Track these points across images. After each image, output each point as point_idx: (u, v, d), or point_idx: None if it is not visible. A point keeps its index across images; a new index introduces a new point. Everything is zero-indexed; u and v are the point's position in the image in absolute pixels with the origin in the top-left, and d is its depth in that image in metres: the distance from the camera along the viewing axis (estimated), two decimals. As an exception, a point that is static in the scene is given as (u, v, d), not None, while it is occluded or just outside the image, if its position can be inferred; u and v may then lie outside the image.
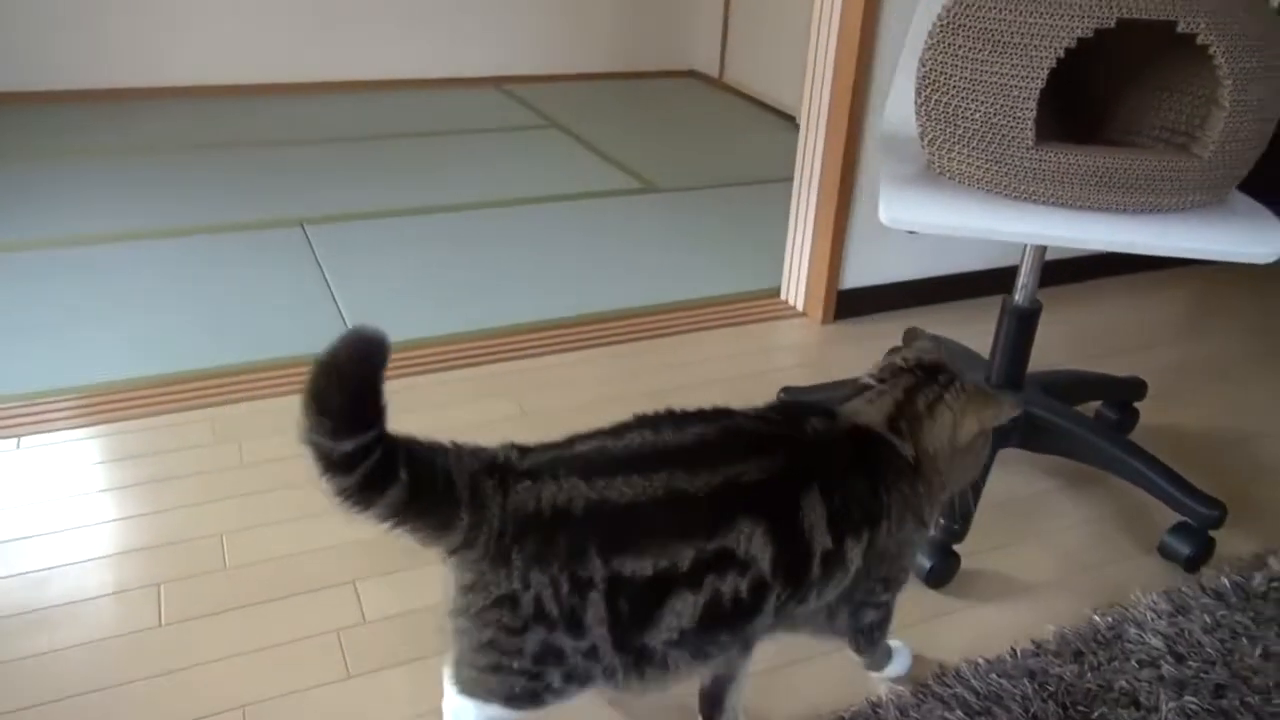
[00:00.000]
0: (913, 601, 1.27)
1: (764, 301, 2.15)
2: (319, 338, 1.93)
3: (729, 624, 0.88)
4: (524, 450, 0.86)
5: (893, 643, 1.14)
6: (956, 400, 0.97)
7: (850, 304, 2.08)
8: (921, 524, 0.99)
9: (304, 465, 1.48)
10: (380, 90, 3.76)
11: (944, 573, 1.32)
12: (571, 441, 0.88)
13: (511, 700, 0.88)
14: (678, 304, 2.11)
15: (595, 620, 0.83)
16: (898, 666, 1.15)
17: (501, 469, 0.83)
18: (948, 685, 1.12)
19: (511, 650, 0.84)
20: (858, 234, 2.03)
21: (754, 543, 0.85)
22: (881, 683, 1.15)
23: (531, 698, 0.87)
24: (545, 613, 0.82)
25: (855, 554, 0.92)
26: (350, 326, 0.73)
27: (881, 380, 1.00)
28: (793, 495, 0.88)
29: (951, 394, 0.97)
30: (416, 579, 1.28)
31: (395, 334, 1.94)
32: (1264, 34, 1.16)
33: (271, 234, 2.37)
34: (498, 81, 3.97)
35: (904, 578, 1.03)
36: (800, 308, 2.11)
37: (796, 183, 2.07)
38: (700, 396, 1.75)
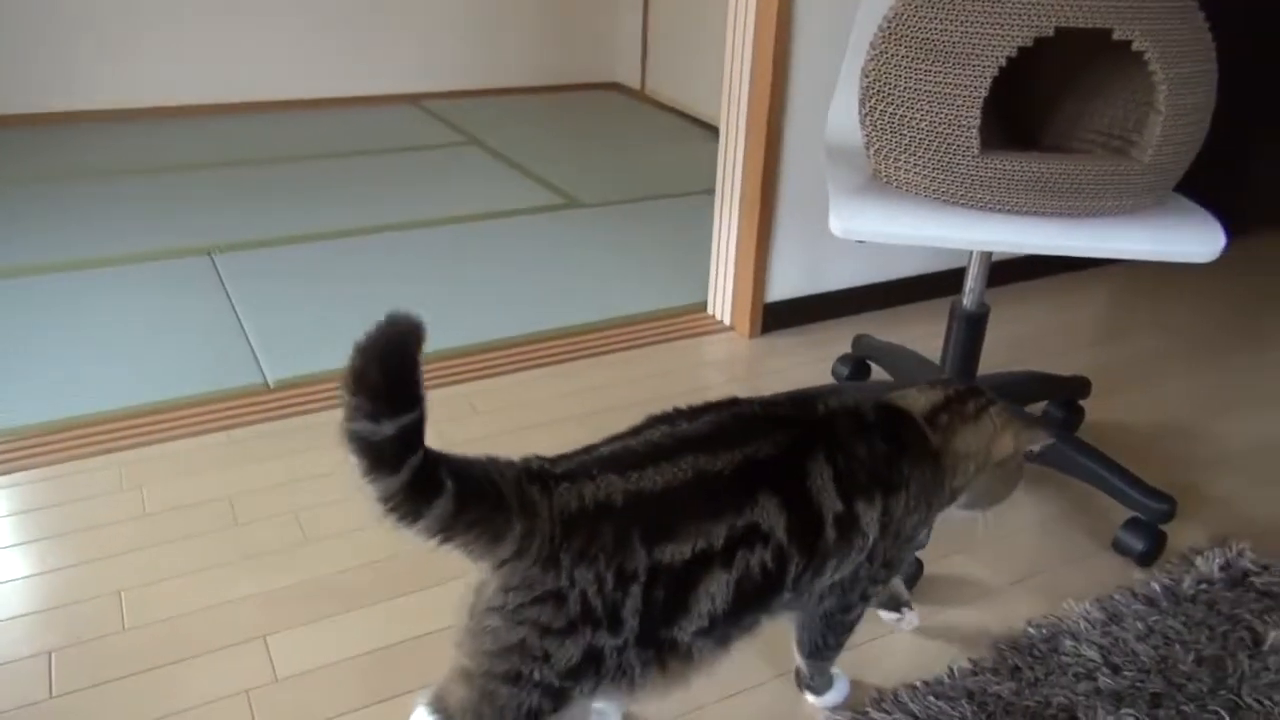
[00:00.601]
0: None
1: (691, 316, 2.12)
2: (227, 374, 1.88)
3: (755, 601, 0.89)
4: (550, 459, 0.87)
5: (833, 670, 1.12)
6: (1001, 416, 1.04)
7: (779, 316, 2.06)
8: (927, 518, 1.02)
9: (210, 511, 1.41)
10: (290, 110, 3.66)
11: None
12: (593, 447, 0.90)
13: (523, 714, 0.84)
14: (604, 323, 2.07)
15: (631, 613, 0.83)
16: (837, 694, 1.12)
17: (539, 475, 0.84)
18: (886, 711, 1.09)
19: (538, 655, 0.82)
20: (783, 245, 2.01)
21: (770, 513, 0.88)
22: (820, 711, 1.11)
23: (552, 710, 0.85)
24: (590, 610, 0.81)
25: (871, 518, 0.94)
26: (386, 314, 0.72)
27: (939, 383, 1.07)
28: (800, 464, 0.91)
29: (997, 409, 1.04)
30: (331, 630, 1.21)
31: (307, 367, 1.88)
32: (1195, 39, 1.18)
33: (177, 264, 2.26)
34: (414, 98, 3.90)
35: (899, 569, 1.07)
36: (728, 322, 2.09)
37: (719, 195, 2.04)
38: (630, 417, 1.71)
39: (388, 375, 0.71)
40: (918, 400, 1.03)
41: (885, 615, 1.19)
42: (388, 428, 0.71)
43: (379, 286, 2.18)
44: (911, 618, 1.19)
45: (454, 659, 0.85)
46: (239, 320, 2.00)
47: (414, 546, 1.34)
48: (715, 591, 0.85)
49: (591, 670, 0.83)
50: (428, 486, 0.75)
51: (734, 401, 0.95)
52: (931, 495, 1.00)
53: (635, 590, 0.82)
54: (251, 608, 1.24)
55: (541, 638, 0.81)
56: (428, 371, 1.80)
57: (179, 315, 2.01)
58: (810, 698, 1.13)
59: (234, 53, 3.55)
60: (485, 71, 4.03)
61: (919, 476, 0.98)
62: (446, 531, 0.78)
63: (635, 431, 0.91)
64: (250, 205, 2.67)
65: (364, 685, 1.13)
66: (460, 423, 1.66)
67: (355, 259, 2.33)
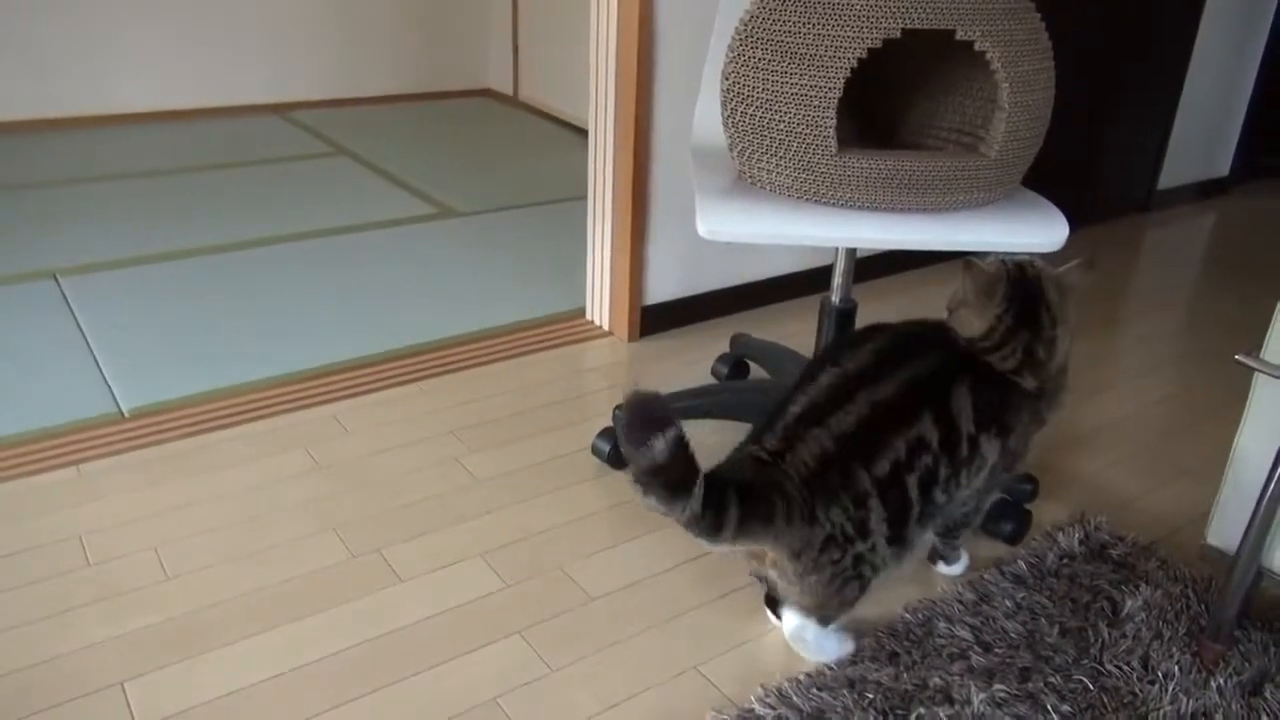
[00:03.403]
0: (741, 619, 1.25)
1: (570, 323, 2.10)
2: (76, 404, 1.77)
3: (932, 493, 1.12)
4: (756, 439, 1.11)
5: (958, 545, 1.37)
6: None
7: (657, 318, 2.07)
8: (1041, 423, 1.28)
9: (59, 553, 1.31)
10: (144, 122, 3.48)
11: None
12: (782, 409, 1.13)
13: (854, 601, 1.14)
14: (482, 333, 2.03)
15: (876, 522, 1.09)
16: (961, 566, 1.36)
17: (767, 459, 1.08)
18: (771, 706, 1.10)
19: (845, 568, 1.10)
20: (657, 248, 2.02)
21: (928, 428, 1.10)
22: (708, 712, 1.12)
23: (863, 590, 1.14)
24: (848, 535, 1.08)
25: (992, 448, 1.17)
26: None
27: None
28: (948, 386, 1.13)
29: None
30: (196, 670, 1.15)
31: (166, 393, 1.78)
32: (1033, 39, 1.24)
33: (18, 289, 2.12)
34: (278, 108, 3.77)
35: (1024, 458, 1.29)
36: (606, 326, 2.08)
37: (591, 200, 2.04)
38: (513, 429, 1.68)
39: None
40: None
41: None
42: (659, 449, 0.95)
43: (242, 305, 2.09)
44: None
45: (792, 600, 1.15)
46: (89, 346, 1.88)
47: (281, 577, 1.30)
48: (914, 489, 1.10)
49: (866, 567, 1.11)
50: (720, 501, 1.01)
51: (880, 328, 1.18)
52: (1037, 410, 1.24)
53: (874, 504, 1.08)
54: (108, 653, 1.16)
55: (838, 561, 1.08)
56: (298, 392, 1.75)
57: (18, 343, 1.88)
58: (942, 567, 1.36)
59: (83, 62, 3.36)
60: (352, 80, 3.93)
61: (1030, 401, 1.21)
62: (739, 533, 1.03)
63: (808, 378, 1.14)
64: (100, 224, 2.52)
65: (233, 726, 1.07)
66: (329, 444, 1.60)
67: (216, 278, 2.23)
